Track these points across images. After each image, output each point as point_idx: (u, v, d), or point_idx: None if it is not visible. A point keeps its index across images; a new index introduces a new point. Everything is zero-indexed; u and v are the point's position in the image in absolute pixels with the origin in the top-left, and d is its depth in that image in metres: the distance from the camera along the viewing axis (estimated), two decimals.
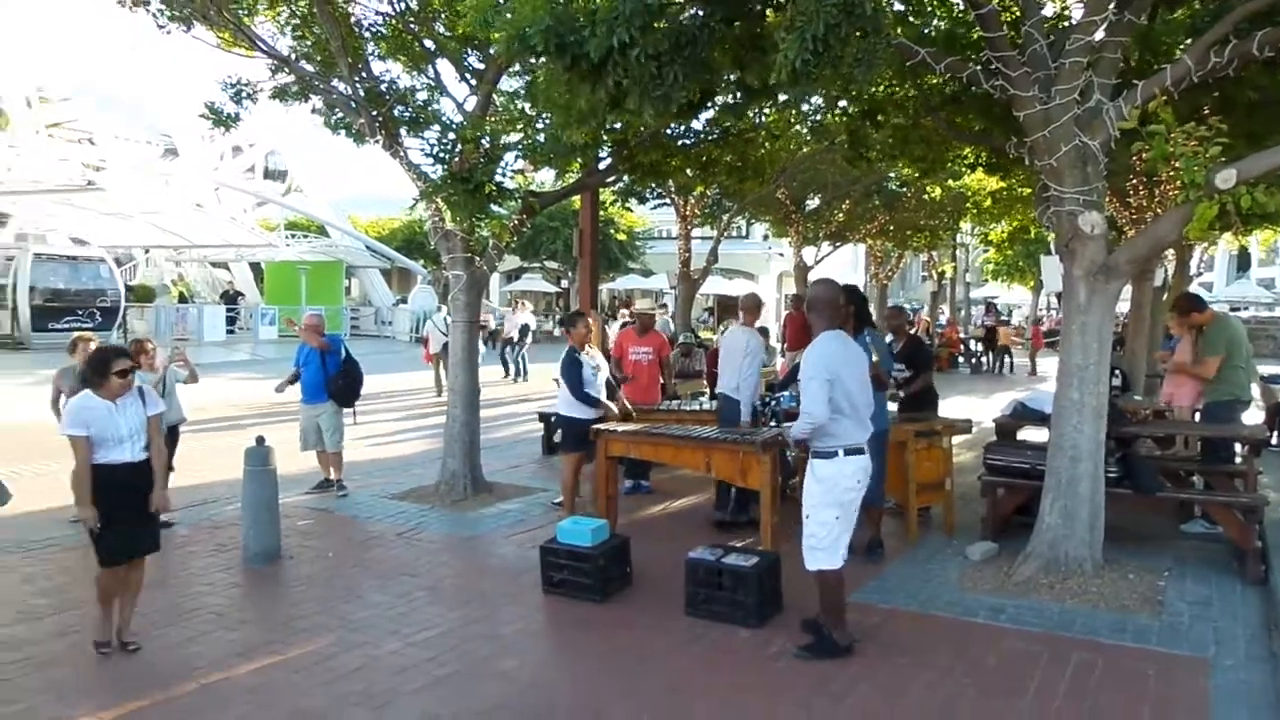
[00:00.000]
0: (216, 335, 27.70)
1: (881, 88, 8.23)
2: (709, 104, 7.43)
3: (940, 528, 7.22)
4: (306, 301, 29.46)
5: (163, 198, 26.50)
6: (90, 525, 4.71)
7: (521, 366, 19.84)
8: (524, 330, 20.34)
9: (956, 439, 7.76)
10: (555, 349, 19.33)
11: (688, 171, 9.75)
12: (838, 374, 4.61)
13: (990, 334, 24.42)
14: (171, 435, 7.21)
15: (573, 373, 7.28)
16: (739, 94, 6.81)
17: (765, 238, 36.03)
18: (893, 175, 17.39)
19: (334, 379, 8.27)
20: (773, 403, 8.34)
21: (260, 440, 6.88)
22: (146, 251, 34.12)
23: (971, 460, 9.50)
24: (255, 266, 34.38)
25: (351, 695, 4.33)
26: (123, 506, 4.76)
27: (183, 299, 32.23)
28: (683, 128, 8.68)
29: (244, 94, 8.18)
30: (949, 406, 8.50)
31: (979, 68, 6.16)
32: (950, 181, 17.49)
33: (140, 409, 4.86)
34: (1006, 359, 24.03)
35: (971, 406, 14.15)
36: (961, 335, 26.13)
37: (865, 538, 6.29)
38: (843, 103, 8.99)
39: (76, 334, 7.93)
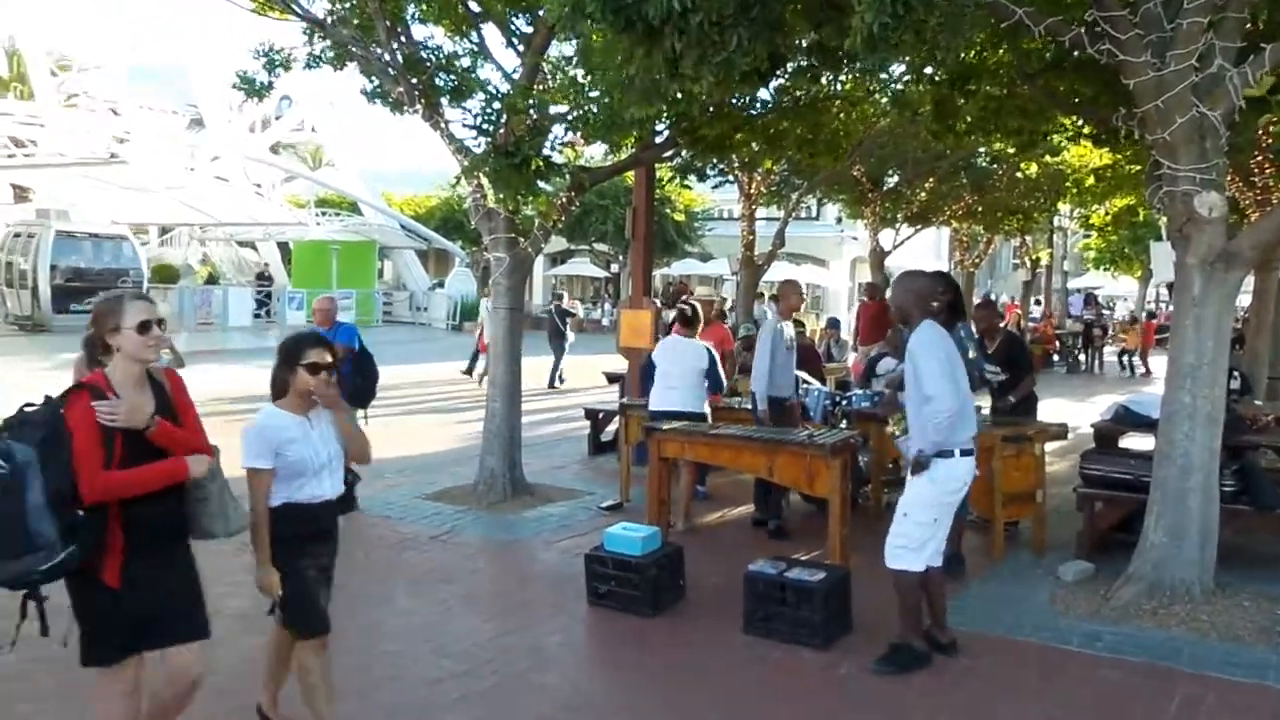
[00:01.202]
0: (243, 320, 28.27)
1: (971, 53, 8.10)
2: (779, 71, 7.38)
3: (1029, 544, 7.10)
4: (337, 284, 29.95)
5: (188, 172, 27.17)
6: (273, 594, 3.71)
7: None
8: None
9: (1050, 446, 7.63)
10: (603, 340, 19.42)
11: (753, 145, 9.70)
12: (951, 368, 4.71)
13: (1089, 329, 23.93)
14: None
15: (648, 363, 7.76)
16: (812, 59, 6.76)
17: (838, 220, 35.67)
18: (982, 150, 17.09)
19: (349, 377, 8.03)
20: (844, 402, 8.31)
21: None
22: (164, 232, 34.95)
23: (1066, 470, 9.33)
24: (283, 246, 35.03)
25: (381, 707, 4.42)
26: (316, 561, 3.84)
27: (212, 280, 32.96)
28: (748, 97, 8.64)
29: (277, 61, 8.33)
30: (1043, 409, 8.35)
31: (1083, 29, 6.02)
32: (1048, 158, 17.14)
33: (330, 423, 3.90)
34: (1126, 357, 23.58)
35: (1067, 409, 13.89)
36: (1058, 329, 25.65)
37: (944, 553, 6.22)
38: (928, 70, 8.86)
39: None
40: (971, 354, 5.87)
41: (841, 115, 9.93)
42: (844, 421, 8.05)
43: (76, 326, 9.12)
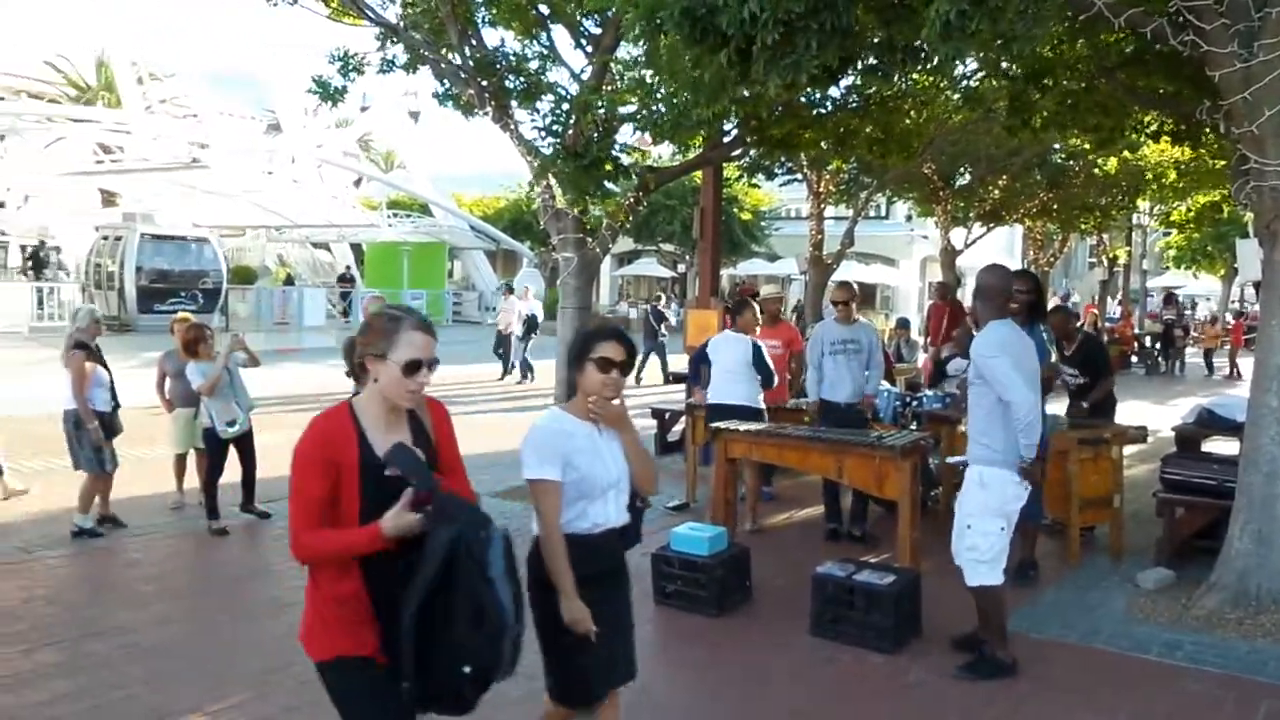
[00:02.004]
0: (317, 319, 28.90)
1: (1048, 47, 7.93)
2: (849, 70, 7.31)
3: (1106, 550, 6.92)
4: (408, 285, 30.44)
5: (265, 175, 27.86)
6: (585, 627, 3.04)
7: (527, 364, 17.87)
8: (531, 322, 18.21)
9: (1128, 449, 7.43)
10: (670, 340, 19.44)
11: (823, 144, 9.62)
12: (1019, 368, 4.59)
13: (1169, 329, 23.25)
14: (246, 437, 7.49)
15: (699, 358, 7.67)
16: (884, 57, 6.68)
17: (908, 218, 35.18)
18: (1058, 146, 16.72)
19: None
20: (914, 403, 8.19)
21: None
22: (243, 233, 35.89)
23: (1145, 474, 9.06)
24: (356, 247, 35.71)
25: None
26: (604, 599, 3.14)
27: (289, 281, 33.74)
28: (818, 96, 8.57)
29: (351, 66, 8.51)
30: (1121, 412, 8.13)
31: (1166, 20, 5.85)
32: (1127, 153, 16.70)
33: (615, 437, 3.23)
34: (1210, 358, 22.89)
35: (1147, 412, 13.51)
36: (1136, 330, 24.96)
37: (1017, 558, 6.10)
38: (1002, 65, 8.69)
39: (179, 314, 8.44)
40: (1053, 356, 5.74)
41: (913, 114, 9.78)
42: (914, 423, 7.94)
43: (160, 326, 9.43)
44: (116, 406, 7.25)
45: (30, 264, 28.71)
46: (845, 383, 7.29)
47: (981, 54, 8.07)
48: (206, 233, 27.20)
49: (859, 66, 7.37)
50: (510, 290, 20.44)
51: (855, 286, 8.09)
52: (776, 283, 31.94)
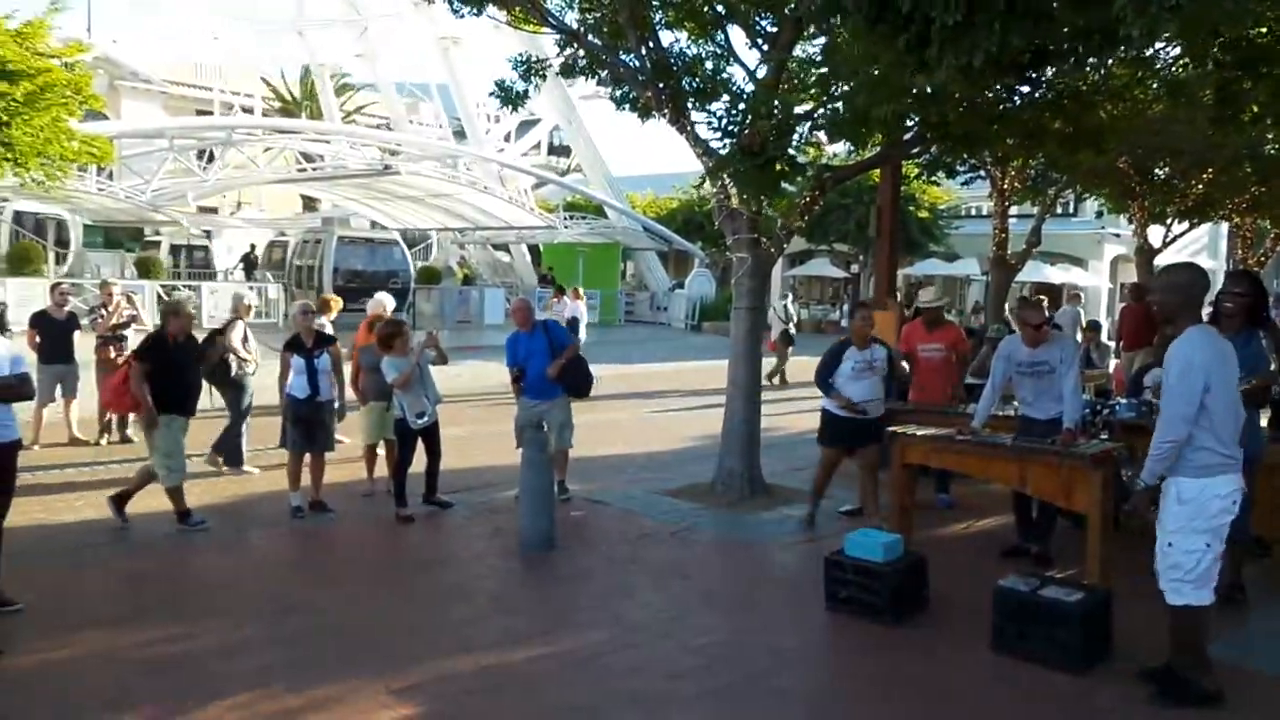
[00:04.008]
0: (496, 318, 29.92)
1: (1262, 29, 7.30)
2: (1039, 63, 6.95)
3: None
4: (583, 285, 31.14)
5: (449, 180, 29.03)
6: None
7: None
8: (573, 325, 17.08)
9: None
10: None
11: (1009, 141, 9.18)
12: (1211, 378, 4.24)
13: None
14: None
15: (826, 361, 7.56)
16: (1077, 46, 6.31)
17: (1098, 214, 33.12)
18: (1270, 136, 15.37)
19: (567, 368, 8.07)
20: (1105, 411, 7.72)
21: (539, 426, 7.39)
22: (428, 236, 37.57)
23: None
24: (534, 249, 36.77)
25: (622, 695, 4.54)
26: None
27: (468, 281, 35.15)
28: (1004, 91, 8.19)
29: (533, 71, 8.75)
30: None
31: None
32: None
33: None
34: None
35: None
36: None
37: (1223, 580, 5.65)
38: (1211, 49, 8.06)
39: (372, 313, 8.92)
40: (1273, 365, 5.28)
41: (1107, 108, 9.18)
42: (1104, 433, 7.48)
43: (352, 324, 9.98)
44: (314, 394, 7.69)
45: (243, 266, 30.99)
46: (1043, 399, 6.75)
47: (1185, 39, 7.51)
48: (395, 235, 28.63)
49: (1049, 57, 7.01)
50: (561, 291, 20.33)
51: (1046, 308, 7.65)
52: (954, 284, 30.88)
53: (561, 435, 8.08)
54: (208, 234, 31.95)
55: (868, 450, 7.53)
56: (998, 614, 5.08)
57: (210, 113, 33.86)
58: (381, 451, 8.33)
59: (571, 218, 35.71)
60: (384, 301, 9.16)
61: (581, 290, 18.67)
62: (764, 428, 8.88)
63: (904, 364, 8.17)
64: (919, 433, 6.69)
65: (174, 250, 30.57)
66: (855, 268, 35.99)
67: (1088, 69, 7.86)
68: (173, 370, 7.04)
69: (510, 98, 8.90)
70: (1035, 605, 4.94)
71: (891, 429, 6.87)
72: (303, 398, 7.62)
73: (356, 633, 5.30)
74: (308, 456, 7.70)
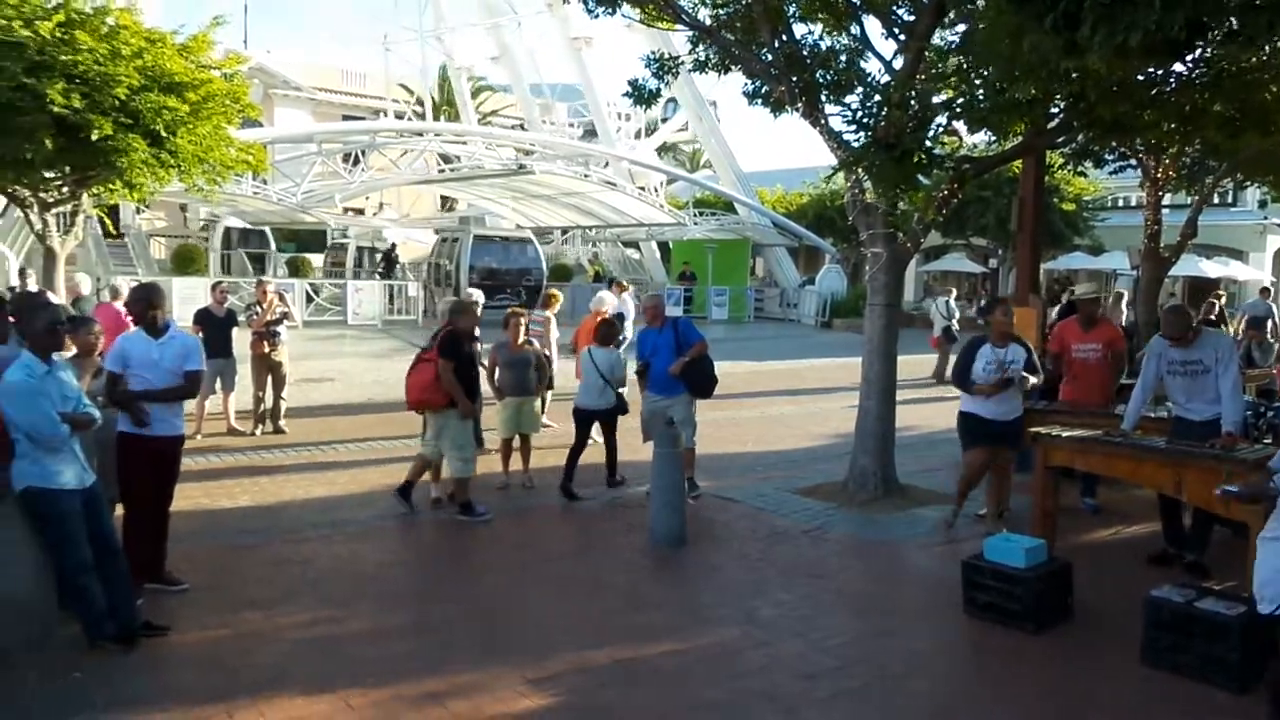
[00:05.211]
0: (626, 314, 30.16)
1: None
2: (1196, 38, 6.53)
3: None
4: (712, 281, 31.10)
5: (581, 179, 29.44)
6: None
7: None
8: (620, 320, 16.80)
9: None
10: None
11: (1164, 126, 8.68)
12: None
13: None
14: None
15: (962, 357, 7.31)
16: (1245, 19, 5.89)
17: (1261, 204, 31.14)
18: None
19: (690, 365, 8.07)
20: (1269, 413, 7.27)
21: (670, 422, 7.43)
22: (564, 232, 38.22)
23: None
24: (663, 246, 36.90)
25: (754, 693, 4.52)
26: None
27: (597, 278, 35.57)
28: (1158, 73, 7.74)
29: (666, 68, 8.79)
30: None
31: None
32: None
33: None
34: None
35: None
36: None
37: None
38: None
39: (510, 310, 9.12)
40: None
41: (1274, 87, 8.55)
42: (1268, 436, 7.04)
43: (492, 321, 10.22)
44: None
45: (383, 265, 32.17)
46: (1197, 400, 6.38)
47: None
48: (528, 233, 29.21)
49: (1212, 36, 6.59)
50: (614, 284, 19.96)
51: (1192, 315, 7.08)
52: (1099, 278, 29.49)
53: (686, 433, 8.06)
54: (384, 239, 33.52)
55: (1003, 452, 7.27)
56: (1149, 625, 4.84)
57: (357, 118, 35.34)
58: (516, 445, 8.60)
59: (701, 214, 35.69)
60: (605, 299, 9.56)
61: (626, 283, 17.95)
62: (898, 426, 8.68)
63: (1045, 366, 7.81)
64: (1065, 434, 6.42)
65: (359, 251, 32.67)
66: (993, 262, 34.76)
67: (1254, 44, 7.35)
68: (466, 365, 7.54)
69: (642, 96, 8.97)
70: (1191, 618, 4.68)
71: (1034, 430, 6.61)
72: None
73: (495, 622, 5.44)
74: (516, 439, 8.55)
